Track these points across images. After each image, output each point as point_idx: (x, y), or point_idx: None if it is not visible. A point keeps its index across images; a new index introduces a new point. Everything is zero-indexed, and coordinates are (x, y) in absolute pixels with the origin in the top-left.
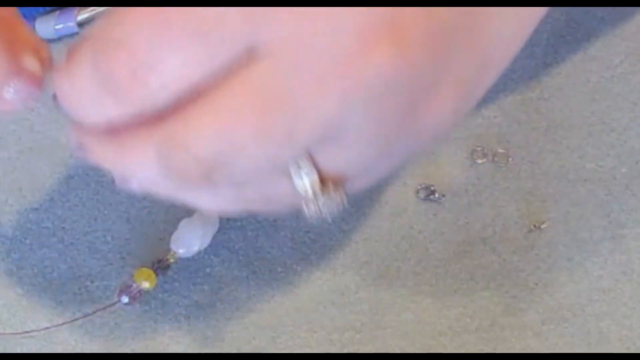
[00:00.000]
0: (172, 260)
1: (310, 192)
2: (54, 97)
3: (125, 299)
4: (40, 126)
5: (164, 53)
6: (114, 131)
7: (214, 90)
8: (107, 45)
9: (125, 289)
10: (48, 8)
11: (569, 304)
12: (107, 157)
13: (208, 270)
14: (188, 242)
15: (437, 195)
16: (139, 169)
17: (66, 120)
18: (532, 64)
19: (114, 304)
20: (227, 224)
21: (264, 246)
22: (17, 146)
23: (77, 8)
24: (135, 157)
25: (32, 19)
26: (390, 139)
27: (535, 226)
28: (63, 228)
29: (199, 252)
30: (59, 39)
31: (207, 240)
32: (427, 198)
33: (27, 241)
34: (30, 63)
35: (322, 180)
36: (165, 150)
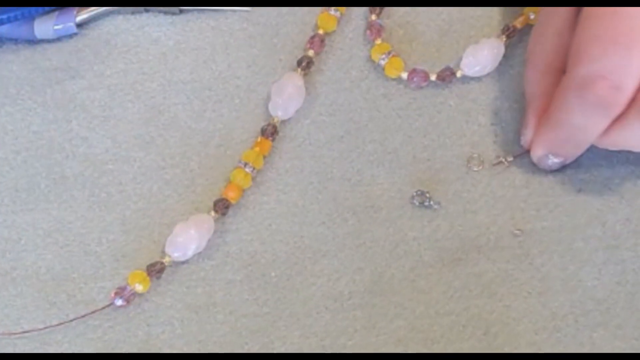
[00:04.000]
0: (166, 264)
1: None
2: (541, 158)
3: (119, 302)
4: (37, 127)
5: (623, 69)
6: None
7: None
8: (587, 82)
9: (119, 292)
10: (47, 8)
11: (563, 313)
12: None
13: (202, 274)
14: (183, 246)
15: (432, 202)
16: (629, 137)
17: (63, 121)
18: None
19: (107, 306)
20: (222, 228)
21: (258, 251)
22: (14, 146)
23: (77, 8)
24: (623, 129)
25: (31, 19)
26: None
27: (519, 230)
28: (58, 229)
29: (193, 256)
30: (58, 39)
31: (202, 244)
32: (422, 205)
33: (22, 242)
34: None
35: None
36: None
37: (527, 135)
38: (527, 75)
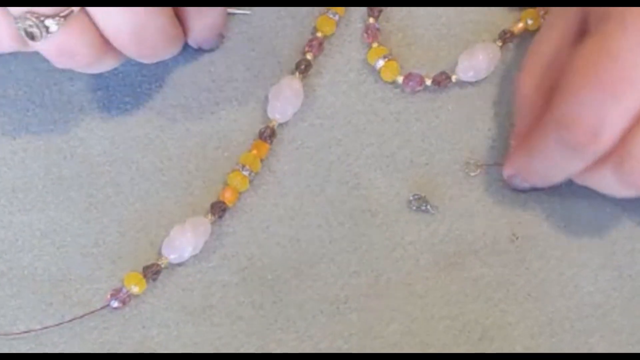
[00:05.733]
0: (163, 266)
1: None
2: (510, 177)
3: (114, 303)
4: (35, 127)
5: (605, 111)
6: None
7: None
8: (566, 121)
9: (115, 293)
10: None
11: (559, 318)
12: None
13: (198, 276)
14: (180, 248)
15: (429, 206)
16: (599, 183)
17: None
18: None
19: (103, 307)
20: (218, 231)
21: (255, 254)
22: (11, 146)
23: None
24: (596, 175)
25: None
26: None
27: (515, 235)
28: (55, 230)
29: (189, 258)
30: None
31: (199, 247)
32: (419, 209)
33: (19, 242)
34: None
35: None
36: (619, 164)
37: (512, 149)
38: (520, 84)
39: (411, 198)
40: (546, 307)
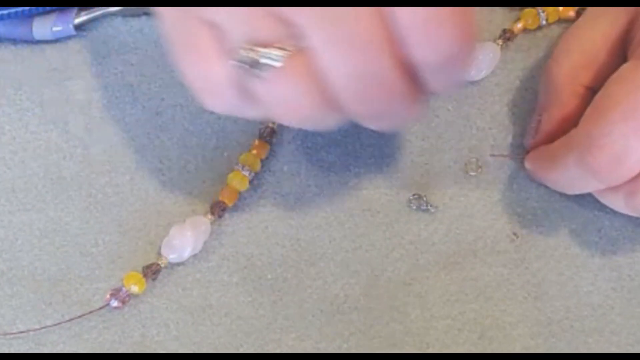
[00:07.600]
0: (162, 265)
1: None
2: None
3: (114, 303)
4: (34, 127)
5: (632, 142)
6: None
7: None
8: (592, 143)
9: (114, 293)
10: (47, 8)
11: (558, 319)
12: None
13: (198, 276)
14: (179, 247)
15: (429, 206)
16: (609, 202)
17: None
18: (527, 75)
19: (103, 307)
20: (218, 230)
21: (254, 253)
22: (11, 146)
23: (75, 10)
24: (608, 196)
25: (30, 17)
26: None
27: (515, 234)
28: (54, 230)
29: (189, 258)
30: (56, 40)
31: (198, 247)
32: (419, 208)
33: (19, 242)
34: None
35: None
36: (631, 195)
37: (532, 142)
38: (551, 73)
39: (411, 197)
40: (545, 307)
